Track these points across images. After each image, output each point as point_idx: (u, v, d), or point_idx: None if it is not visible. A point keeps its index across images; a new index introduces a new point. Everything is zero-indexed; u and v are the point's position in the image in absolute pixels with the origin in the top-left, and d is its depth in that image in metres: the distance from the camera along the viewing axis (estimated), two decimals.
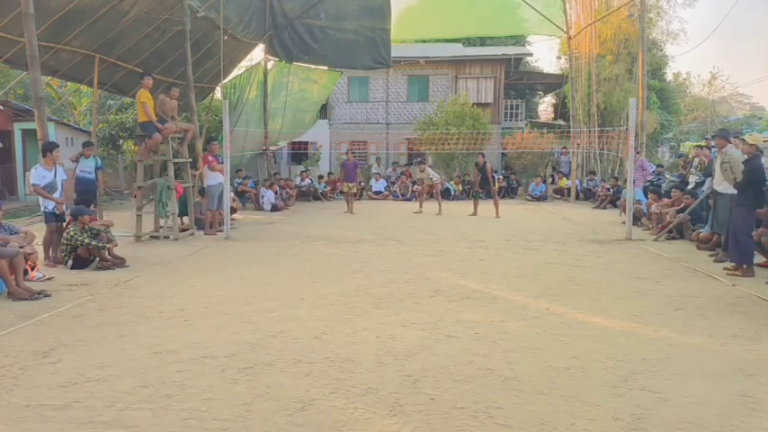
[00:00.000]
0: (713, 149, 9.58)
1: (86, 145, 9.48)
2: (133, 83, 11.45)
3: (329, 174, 19.94)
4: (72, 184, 8.93)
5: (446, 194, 16.97)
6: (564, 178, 18.45)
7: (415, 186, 18.44)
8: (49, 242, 7.55)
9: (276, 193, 15.14)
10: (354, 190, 14.42)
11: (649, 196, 11.03)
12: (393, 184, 18.98)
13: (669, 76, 31.42)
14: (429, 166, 20.58)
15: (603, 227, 11.13)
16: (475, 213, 13.30)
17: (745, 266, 6.66)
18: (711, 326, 4.74)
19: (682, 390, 3.45)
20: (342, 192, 14.45)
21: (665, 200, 10.40)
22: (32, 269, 6.45)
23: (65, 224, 7.52)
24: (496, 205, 13.09)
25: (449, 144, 19.20)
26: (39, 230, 8.23)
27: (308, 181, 18.36)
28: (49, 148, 7.40)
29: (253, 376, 3.68)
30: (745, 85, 74.10)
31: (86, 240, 7.06)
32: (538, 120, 30.67)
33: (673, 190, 10.31)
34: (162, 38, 11.41)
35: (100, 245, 7.14)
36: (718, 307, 5.33)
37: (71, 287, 6.17)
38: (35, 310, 5.25)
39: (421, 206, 14.17)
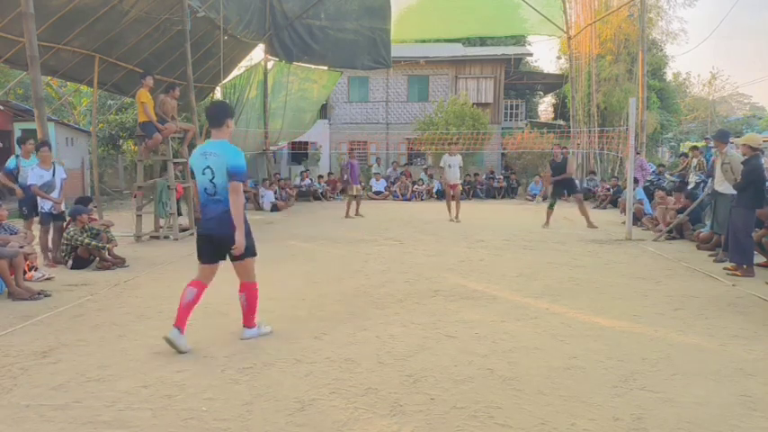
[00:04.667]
0: (713, 150, 9.59)
1: (41, 145, 7.37)
2: (133, 83, 11.44)
3: (329, 174, 19.96)
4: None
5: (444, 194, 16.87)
6: None
7: (415, 186, 18.47)
8: (45, 243, 7.52)
9: (275, 193, 15.15)
10: (359, 193, 13.35)
11: (657, 194, 10.89)
12: (393, 184, 18.98)
13: (669, 76, 31.44)
14: (430, 167, 20.71)
15: (603, 227, 11.12)
16: (547, 224, 11.19)
17: (745, 267, 6.66)
18: (711, 326, 4.73)
19: (682, 390, 3.45)
20: (348, 194, 13.15)
21: (671, 199, 10.31)
22: (30, 269, 6.44)
23: (65, 224, 7.51)
24: (585, 214, 11.04)
25: (449, 144, 19.20)
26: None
27: (307, 181, 18.37)
28: (38, 146, 7.34)
29: (253, 376, 3.68)
30: (745, 85, 74.19)
31: (86, 240, 7.06)
32: (538, 120, 30.68)
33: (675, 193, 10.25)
34: (162, 38, 11.40)
35: (100, 245, 7.14)
36: (719, 307, 5.33)
37: (71, 287, 6.17)
38: (35, 310, 5.25)
39: (451, 211, 12.43)
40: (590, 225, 10.90)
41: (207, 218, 4.24)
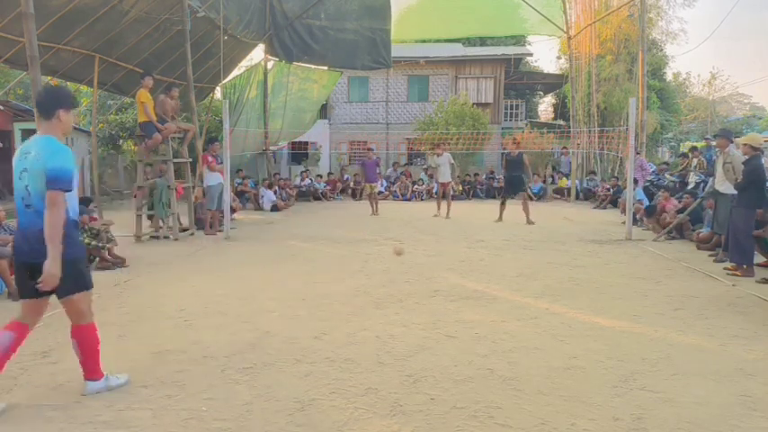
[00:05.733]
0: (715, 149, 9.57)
1: None
2: (133, 83, 11.44)
3: (329, 174, 19.96)
4: None
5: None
6: (564, 178, 18.45)
7: (415, 186, 18.46)
8: None
9: (275, 192, 15.15)
10: (376, 190, 13.79)
11: (661, 194, 10.80)
12: (393, 184, 18.98)
13: (669, 76, 31.43)
14: (430, 167, 20.68)
15: (603, 227, 11.12)
16: (500, 219, 11.77)
17: (745, 267, 6.66)
18: (711, 326, 4.74)
19: (682, 390, 3.45)
20: (364, 193, 13.73)
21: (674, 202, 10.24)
22: None
23: None
24: (526, 211, 11.61)
25: (449, 144, 19.21)
26: None
27: (307, 181, 18.38)
28: None
29: (253, 376, 3.68)
30: (745, 85, 74.01)
31: (86, 240, 7.05)
32: (538, 120, 30.68)
33: (685, 196, 10.18)
34: (162, 38, 11.39)
35: (100, 245, 7.14)
36: (719, 307, 5.33)
37: None
38: None
39: (439, 208, 13.00)
40: (528, 222, 11.54)
41: (19, 239, 3.23)
